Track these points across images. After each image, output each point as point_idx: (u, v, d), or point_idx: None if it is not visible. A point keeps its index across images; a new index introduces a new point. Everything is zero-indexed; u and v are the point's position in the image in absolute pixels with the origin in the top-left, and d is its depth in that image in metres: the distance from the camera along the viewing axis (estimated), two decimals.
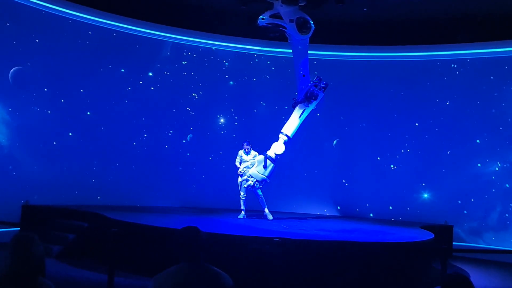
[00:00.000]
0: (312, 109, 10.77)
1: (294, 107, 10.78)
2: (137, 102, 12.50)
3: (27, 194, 10.32)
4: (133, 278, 7.52)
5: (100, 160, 11.95)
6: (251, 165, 10.56)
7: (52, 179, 11.07)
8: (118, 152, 12.20)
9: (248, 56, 13.52)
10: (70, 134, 11.52)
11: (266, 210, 10.71)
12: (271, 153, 10.36)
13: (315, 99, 10.60)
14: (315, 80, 10.80)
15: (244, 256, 7.42)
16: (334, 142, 13.44)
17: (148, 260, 7.70)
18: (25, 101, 10.90)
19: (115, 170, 12.13)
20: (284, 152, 10.44)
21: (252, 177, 10.37)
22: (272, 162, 10.30)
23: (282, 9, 9.69)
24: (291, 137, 10.54)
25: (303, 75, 10.54)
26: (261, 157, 10.39)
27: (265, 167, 10.26)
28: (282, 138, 10.50)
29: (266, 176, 10.29)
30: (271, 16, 9.81)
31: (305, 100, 10.61)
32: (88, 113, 11.80)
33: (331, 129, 13.43)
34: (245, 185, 10.53)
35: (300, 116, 10.63)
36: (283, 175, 12.99)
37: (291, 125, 10.61)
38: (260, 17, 9.83)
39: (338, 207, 13.29)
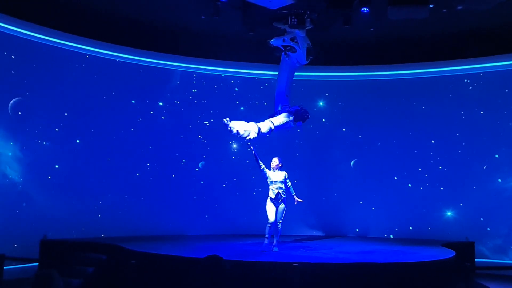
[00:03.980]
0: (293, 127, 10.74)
1: (279, 113, 10.61)
2: (149, 132, 12.51)
3: (41, 229, 10.29)
4: None
5: (112, 192, 11.93)
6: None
7: (64, 214, 11.03)
8: (129, 182, 12.21)
9: (258, 81, 13.57)
10: (57, 166, 11.37)
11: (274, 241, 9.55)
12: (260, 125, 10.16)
13: (303, 121, 10.62)
14: (302, 109, 10.69)
15: (264, 282, 7.34)
16: (352, 163, 13.37)
17: None
18: (32, 135, 10.91)
19: (127, 200, 12.11)
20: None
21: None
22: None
23: (299, 33, 9.84)
24: (273, 128, 10.28)
25: (287, 95, 10.65)
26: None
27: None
28: (269, 124, 10.27)
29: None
30: (291, 39, 9.99)
31: (294, 114, 10.55)
32: (78, 142, 11.74)
33: (349, 150, 13.34)
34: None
35: (282, 122, 10.48)
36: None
37: (278, 121, 10.43)
38: (282, 37, 9.99)
39: (357, 230, 13.12)
